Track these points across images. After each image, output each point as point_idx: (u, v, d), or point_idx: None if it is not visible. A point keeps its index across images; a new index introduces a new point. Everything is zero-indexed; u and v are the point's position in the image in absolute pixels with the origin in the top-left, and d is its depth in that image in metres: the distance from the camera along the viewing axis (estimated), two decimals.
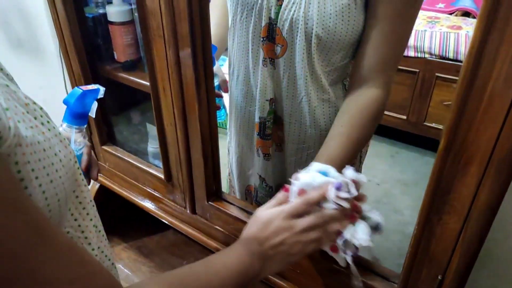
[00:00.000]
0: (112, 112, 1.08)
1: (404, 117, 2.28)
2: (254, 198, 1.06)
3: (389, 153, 2.44)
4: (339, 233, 0.58)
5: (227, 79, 0.98)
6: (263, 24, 0.80)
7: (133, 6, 0.92)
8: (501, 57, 0.41)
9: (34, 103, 0.40)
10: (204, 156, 0.79)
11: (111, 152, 1.02)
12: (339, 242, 0.58)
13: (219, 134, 0.82)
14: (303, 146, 0.91)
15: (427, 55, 2.13)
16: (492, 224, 0.50)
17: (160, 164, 0.90)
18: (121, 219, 1.11)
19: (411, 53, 2.16)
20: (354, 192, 0.57)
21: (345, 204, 0.56)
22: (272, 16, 0.79)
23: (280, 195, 0.62)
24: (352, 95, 0.78)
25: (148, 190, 0.98)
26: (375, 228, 0.60)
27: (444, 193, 0.51)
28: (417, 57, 2.14)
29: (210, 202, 0.85)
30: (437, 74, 2.11)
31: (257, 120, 0.92)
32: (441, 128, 1.97)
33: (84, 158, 0.71)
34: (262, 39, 0.82)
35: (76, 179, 0.46)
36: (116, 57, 0.97)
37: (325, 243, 0.59)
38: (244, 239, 0.57)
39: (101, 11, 0.97)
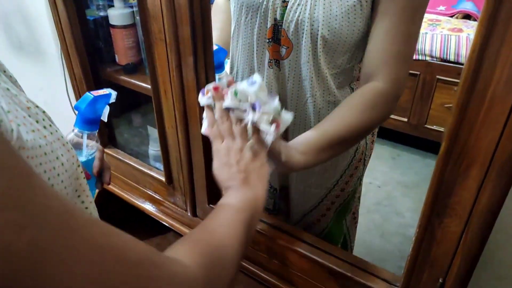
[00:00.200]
0: (113, 114, 1.08)
1: (405, 119, 2.28)
2: None
3: (390, 155, 2.44)
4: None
5: None
6: (268, 25, 0.80)
7: (135, 9, 0.92)
8: (502, 61, 0.41)
9: (37, 106, 0.40)
10: (205, 159, 0.79)
11: (112, 154, 1.02)
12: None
13: None
14: None
15: (428, 58, 2.13)
16: (493, 227, 0.50)
17: (161, 167, 0.90)
18: (122, 221, 1.10)
19: None
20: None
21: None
22: (278, 17, 0.79)
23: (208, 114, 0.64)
24: (357, 89, 0.77)
25: (149, 192, 0.98)
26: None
27: (445, 196, 0.51)
28: (418, 60, 2.15)
29: (211, 205, 0.85)
30: (438, 76, 2.11)
31: None
32: (442, 130, 1.97)
33: (96, 163, 0.71)
34: (267, 41, 0.82)
35: (80, 183, 0.46)
36: (117, 60, 0.97)
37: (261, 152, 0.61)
38: (224, 192, 0.61)
39: (102, 13, 0.97)
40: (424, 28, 2.23)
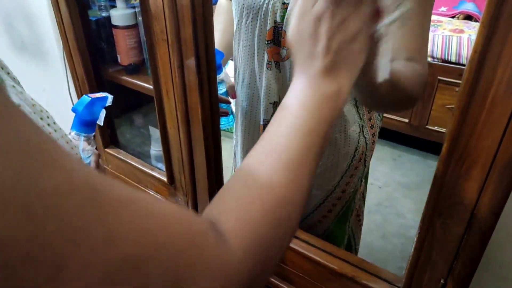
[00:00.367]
0: (115, 114, 1.08)
1: (406, 120, 2.28)
2: None
3: (391, 156, 2.44)
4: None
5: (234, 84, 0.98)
6: (268, 27, 0.81)
7: (137, 10, 0.92)
8: (504, 62, 0.41)
9: (40, 105, 0.41)
10: (207, 159, 0.80)
11: (114, 154, 1.02)
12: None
13: (224, 137, 0.82)
14: None
15: (429, 59, 2.13)
16: (495, 228, 0.50)
17: (163, 167, 0.91)
18: None
19: None
20: None
21: None
22: (278, 19, 0.79)
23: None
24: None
25: (151, 192, 0.98)
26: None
27: (446, 197, 0.51)
28: None
29: None
30: (439, 77, 2.11)
31: (261, 122, 0.92)
32: (443, 131, 1.97)
33: (92, 166, 0.72)
34: (266, 42, 0.82)
35: None
36: (119, 60, 0.97)
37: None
38: (295, 74, 0.44)
39: (104, 14, 0.97)
40: None
